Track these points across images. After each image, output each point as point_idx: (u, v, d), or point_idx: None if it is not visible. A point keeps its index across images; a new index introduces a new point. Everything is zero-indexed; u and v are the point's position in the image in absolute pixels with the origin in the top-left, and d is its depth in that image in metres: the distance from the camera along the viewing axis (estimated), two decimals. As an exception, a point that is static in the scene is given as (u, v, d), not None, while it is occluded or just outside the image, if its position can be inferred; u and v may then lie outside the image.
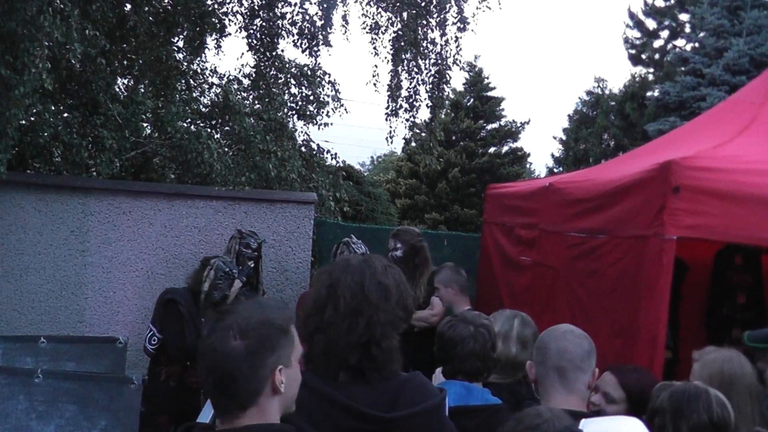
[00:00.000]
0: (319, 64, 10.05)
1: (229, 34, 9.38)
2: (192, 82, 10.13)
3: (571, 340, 2.84)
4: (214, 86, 10.55)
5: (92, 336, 6.66)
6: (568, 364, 2.79)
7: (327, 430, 2.21)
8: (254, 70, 9.27)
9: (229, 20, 9.16)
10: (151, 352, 5.50)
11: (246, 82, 10.33)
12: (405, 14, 8.29)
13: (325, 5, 8.50)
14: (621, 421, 2.53)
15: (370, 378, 2.32)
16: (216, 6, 9.02)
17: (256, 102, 10.03)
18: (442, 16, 8.37)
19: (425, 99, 8.75)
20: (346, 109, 11.23)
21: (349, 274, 2.39)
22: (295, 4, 8.62)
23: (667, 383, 2.90)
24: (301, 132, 11.02)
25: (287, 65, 9.95)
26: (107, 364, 5.25)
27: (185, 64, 9.60)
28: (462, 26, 8.39)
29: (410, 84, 8.68)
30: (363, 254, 2.56)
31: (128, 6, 8.49)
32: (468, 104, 27.99)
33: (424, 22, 8.38)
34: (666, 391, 2.77)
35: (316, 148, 10.99)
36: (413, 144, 21.05)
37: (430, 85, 8.71)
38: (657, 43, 25.07)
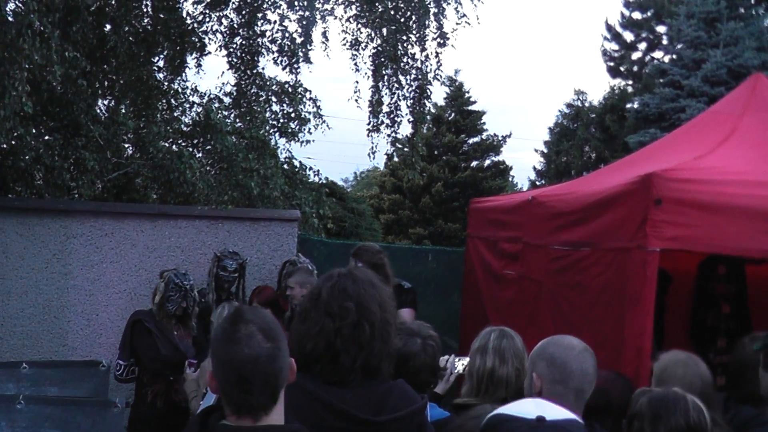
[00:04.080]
0: (300, 81, 10.09)
1: (210, 52, 9.37)
2: (173, 101, 10.10)
3: (589, 360, 2.80)
4: (196, 105, 10.52)
5: (75, 360, 6.59)
6: (588, 386, 2.78)
7: (317, 431, 2.27)
8: (235, 88, 9.28)
9: (209, 39, 9.16)
10: (120, 378, 5.48)
11: (227, 100, 10.32)
12: (384, 30, 8.31)
13: (304, 22, 8.51)
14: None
15: (364, 380, 2.43)
16: (196, 25, 9.01)
17: (238, 120, 10.02)
18: (421, 32, 8.39)
19: (406, 114, 8.77)
20: (328, 125, 11.23)
21: (349, 280, 2.51)
22: (275, 22, 8.64)
23: (647, 389, 2.93)
24: (284, 149, 11.01)
25: (268, 83, 9.95)
26: (90, 388, 5.20)
27: (166, 83, 9.58)
28: (442, 42, 8.42)
29: (391, 99, 8.70)
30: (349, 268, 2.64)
31: (108, 27, 8.47)
32: (449, 118, 28.07)
33: (404, 38, 8.40)
34: (645, 396, 2.81)
35: (298, 165, 10.98)
36: (396, 159, 21.12)
37: (411, 101, 8.73)
38: (635, 55, 25.30)
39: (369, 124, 8.74)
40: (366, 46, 8.58)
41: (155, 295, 5.52)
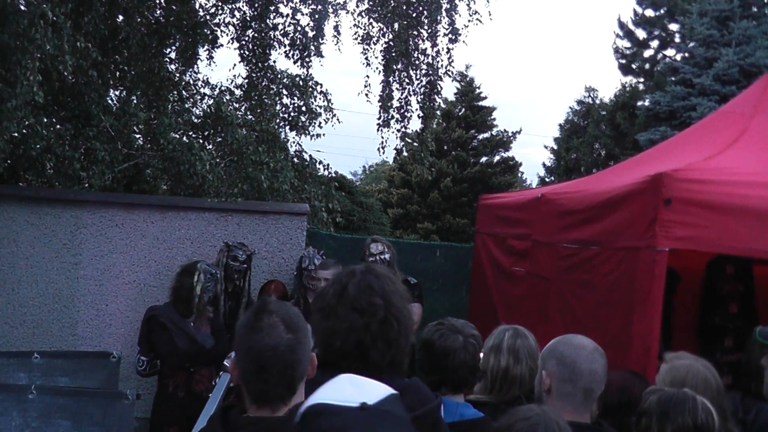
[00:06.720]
0: (311, 74, 10.08)
1: (221, 45, 9.36)
2: (184, 93, 10.10)
3: (599, 361, 2.85)
4: (207, 97, 10.54)
5: (86, 351, 6.64)
6: (597, 386, 2.83)
7: None
8: (246, 80, 9.27)
9: (221, 31, 9.15)
10: (143, 373, 5.67)
11: (238, 92, 10.33)
12: (396, 25, 8.29)
13: (316, 16, 8.50)
14: None
15: (387, 377, 2.41)
16: (208, 17, 9.01)
17: (248, 113, 10.02)
18: (433, 28, 8.37)
19: (416, 109, 8.75)
20: (338, 119, 11.23)
21: (372, 276, 2.52)
22: (287, 15, 8.61)
23: (657, 388, 2.96)
24: (294, 143, 11.02)
25: (279, 76, 9.94)
26: (101, 379, 5.23)
27: (177, 75, 9.58)
28: (453, 38, 8.40)
29: (401, 94, 8.67)
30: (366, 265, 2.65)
31: (120, 17, 8.48)
32: (459, 114, 28.03)
33: (416, 33, 8.38)
34: (655, 395, 2.84)
35: (308, 159, 10.98)
36: (405, 154, 21.09)
37: (422, 96, 8.71)
38: (647, 53, 25.16)
39: (379, 118, 8.71)
40: (377, 41, 8.56)
41: (195, 286, 5.61)
